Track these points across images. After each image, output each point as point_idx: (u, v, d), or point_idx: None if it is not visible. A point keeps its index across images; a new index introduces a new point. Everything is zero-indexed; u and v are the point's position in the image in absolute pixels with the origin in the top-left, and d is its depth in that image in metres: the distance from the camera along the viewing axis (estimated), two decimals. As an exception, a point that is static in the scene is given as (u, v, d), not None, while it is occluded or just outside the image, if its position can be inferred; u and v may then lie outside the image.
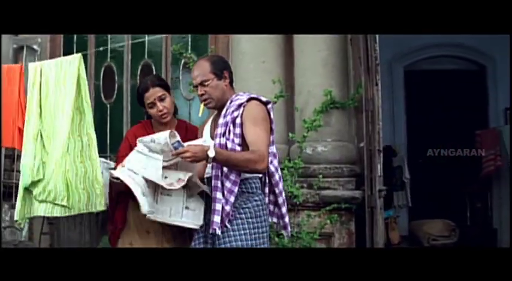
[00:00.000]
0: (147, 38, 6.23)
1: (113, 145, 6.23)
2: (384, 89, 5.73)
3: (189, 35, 6.15)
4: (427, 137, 9.27)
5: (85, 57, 5.59)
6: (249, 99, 3.51)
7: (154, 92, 3.87)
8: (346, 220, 5.24)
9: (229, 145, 3.40)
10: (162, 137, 3.37)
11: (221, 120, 3.50)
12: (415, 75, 9.56)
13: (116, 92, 6.54)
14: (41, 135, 4.16)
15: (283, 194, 3.61)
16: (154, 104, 3.88)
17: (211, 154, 3.22)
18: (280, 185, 3.58)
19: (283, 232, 3.70)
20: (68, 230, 4.38)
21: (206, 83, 3.54)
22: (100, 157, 4.07)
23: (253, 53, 5.67)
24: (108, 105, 6.55)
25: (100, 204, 3.94)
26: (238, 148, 3.40)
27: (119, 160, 3.83)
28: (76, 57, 4.14)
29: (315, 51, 5.53)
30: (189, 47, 6.16)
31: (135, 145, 3.60)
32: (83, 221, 4.32)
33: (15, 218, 4.15)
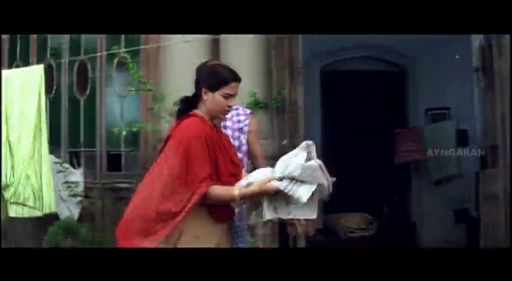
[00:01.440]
0: (83, 37, 6.71)
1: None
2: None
3: (123, 35, 6.60)
4: (343, 136, 9.92)
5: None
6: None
7: (237, 86, 3.71)
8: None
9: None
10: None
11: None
12: (333, 75, 9.97)
13: (55, 88, 7.05)
14: (9, 142, 4.58)
15: None
16: (231, 97, 3.66)
17: None
18: None
19: None
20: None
21: None
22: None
23: (182, 52, 6.11)
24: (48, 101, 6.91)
25: (50, 206, 4.39)
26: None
27: (201, 175, 3.46)
28: (38, 68, 4.61)
29: (240, 53, 6.06)
30: (123, 47, 6.58)
31: (213, 149, 3.52)
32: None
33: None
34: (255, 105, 5.95)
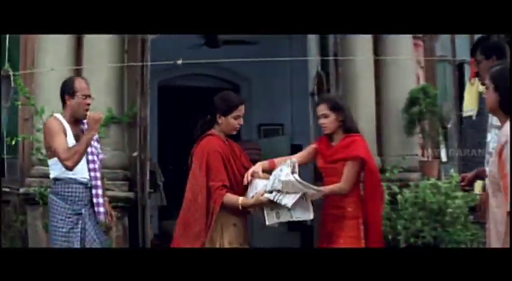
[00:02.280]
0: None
1: None
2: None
3: (7, 47, 7.10)
4: (177, 148, 10.74)
5: None
6: None
7: (243, 109, 4.74)
8: (121, 216, 6.54)
9: None
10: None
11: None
12: (169, 90, 10.77)
13: None
14: None
15: None
16: (239, 117, 4.71)
17: None
18: None
19: None
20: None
21: None
22: None
23: (56, 66, 6.75)
24: None
25: None
26: None
27: (218, 183, 4.48)
28: None
29: (100, 73, 6.83)
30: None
31: (228, 160, 4.58)
32: None
33: None
34: (111, 120, 6.73)
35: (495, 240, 3.67)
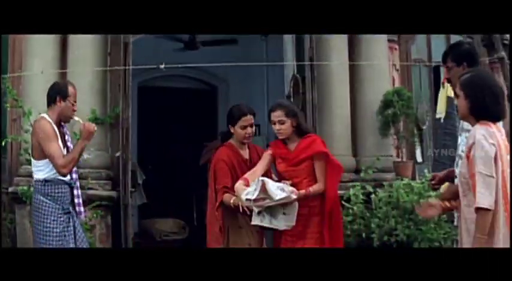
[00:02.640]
0: None
1: None
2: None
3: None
4: (158, 148, 10.96)
5: None
6: None
7: (250, 118, 5.23)
8: (105, 214, 6.73)
9: None
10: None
11: None
12: (149, 91, 10.89)
13: None
14: None
15: None
16: (246, 127, 5.21)
17: None
18: None
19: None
20: None
21: None
22: None
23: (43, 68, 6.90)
24: None
25: None
26: None
27: (221, 185, 5.07)
28: None
29: (85, 75, 7.01)
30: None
31: (232, 166, 5.12)
32: None
33: None
34: (95, 120, 6.87)
35: (466, 237, 3.89)
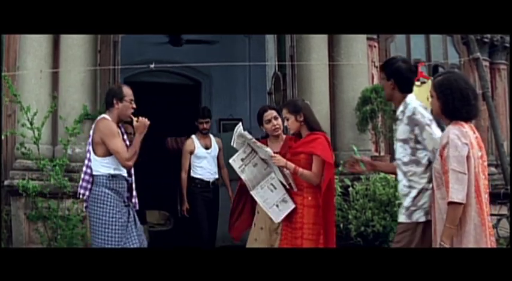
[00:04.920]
0: None
1: None
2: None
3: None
4: (143, 140, 10.98)
5: None
6: None
7: (271, 113, 5.90)
8: (96, 206, 6.93)
9: None
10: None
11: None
12: (134, 86, 11.04)
13: None
14: None
15: None
16: (270, 121, 5.86)
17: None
18: None
19: None
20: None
21: None
22: None
23: (35, 68, 7.16)
24: None
25: None
26: None
27: None
28: None
29: (77, 72, 7.24)
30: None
31: None
32: None
33: None
34: (86, 116, 7.05)
35: (439, 225, 4.17)
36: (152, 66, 7.00)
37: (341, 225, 7.11)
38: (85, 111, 7.20)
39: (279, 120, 5.86)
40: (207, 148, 7.85)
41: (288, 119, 5.62)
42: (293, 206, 5.45)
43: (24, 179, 6.77)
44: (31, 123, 6.86)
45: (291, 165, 5.37)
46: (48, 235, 6.76)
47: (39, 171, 6.96)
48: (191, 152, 7.70)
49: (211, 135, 8.03)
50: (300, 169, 5.37)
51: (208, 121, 7.88)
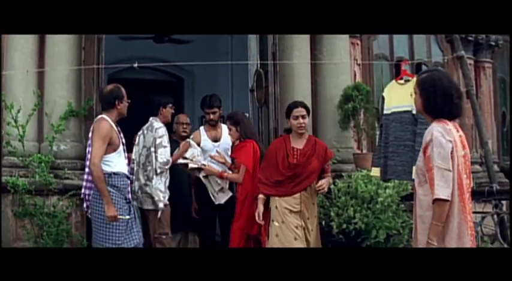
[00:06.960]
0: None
1: None
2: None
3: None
4: (125, 136, 10.96)
5: None
6: None
7: (301, 110, 6.07)
8: (80, 203, 6.90)
9: None
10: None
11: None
12: (117, 82, 10.90)
13: None
14: None
15: None
16: (298, 117, 6.00)
17: None
18: None
19: None
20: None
21: None
22: None
23: (22, 65, 7.14)
24: None
25: None
26: None
27: (265, 168, 6.09)
28: None
29: (62, 69, 7.24)
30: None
31: (272, 150, 6.09)
32: None
33: None
34: (71, 113, 7.03)
35: (420, 222, 4.22)
36: (135, 65, 7.00)
37: (323, 222, 7.12)
38: (70, 108, 7.21)
39: (307, 119, 6.12)
40: (215, 141, 7.27)
41: (230, 130, 6.59)
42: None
43: (11, 176, 6.75)
44: (15, 121, 6.88)
45: (216, 171, 6.66)
46: (35, 231, 6.77)
47: (25, 168, 6.95)
48: (198, 145, 7.08)
49: (223, 126, 7.28)
50: (225, 174, 6.61)
51: (216, 111, 7.29)
